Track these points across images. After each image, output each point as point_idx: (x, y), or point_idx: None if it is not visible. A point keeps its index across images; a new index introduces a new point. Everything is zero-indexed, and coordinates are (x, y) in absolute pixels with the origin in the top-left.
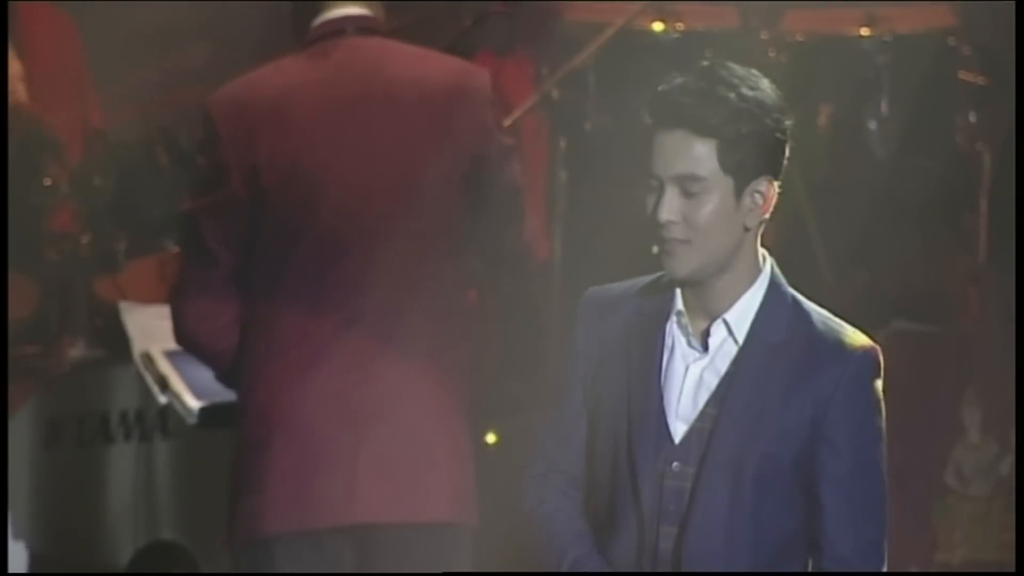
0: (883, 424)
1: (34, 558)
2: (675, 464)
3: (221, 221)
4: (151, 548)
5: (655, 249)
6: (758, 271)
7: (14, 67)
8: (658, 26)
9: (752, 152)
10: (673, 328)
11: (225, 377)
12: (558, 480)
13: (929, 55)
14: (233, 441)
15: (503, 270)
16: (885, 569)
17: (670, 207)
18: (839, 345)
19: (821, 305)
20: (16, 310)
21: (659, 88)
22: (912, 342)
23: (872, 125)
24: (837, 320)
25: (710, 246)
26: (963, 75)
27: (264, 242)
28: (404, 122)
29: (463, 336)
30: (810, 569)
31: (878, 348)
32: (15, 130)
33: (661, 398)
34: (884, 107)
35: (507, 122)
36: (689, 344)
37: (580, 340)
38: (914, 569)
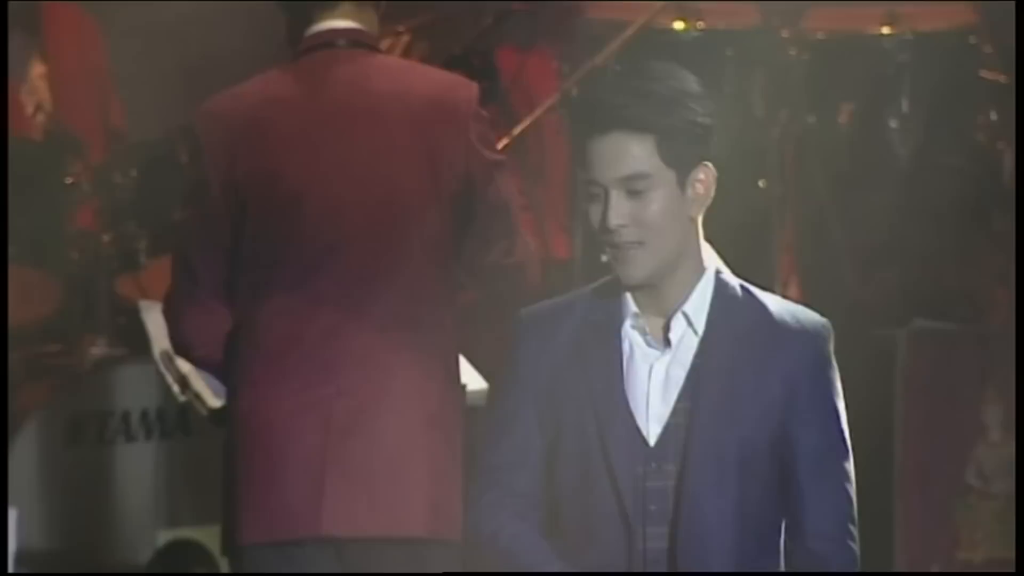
0: (841, 395)
1: (55, 555)
2: (654, 464)
3: (203, 234)
4: (171, 546)
5: (604, 257)
6: (704, 263)
7: (37, 67)
8: (679, 25)
9: (687, 141)
10: (629, 332)
11: (223, 383)
12: (513, 504)
13: (950, 53)
14: None
15: (492, 288)
16: (856, 538)
17: (618, 211)
18: (798, 322)
19: (843, 304)
20: (38, 308)
21: (583, 95)
22: (934, 341)
23: (893, 123)
24: (786, 301)
25: (663, 244)
26: (984, 73)
27: (246, 255)
28: (386, 136)
29: (447, 350)
30: (785, 548)
31: (830, 322)
32: (37, 130)
33: (627, 403)
34: (905, 105)
35: (528, 120)
36: (648, 344)
37: (525, 361)
38: (937, 568)
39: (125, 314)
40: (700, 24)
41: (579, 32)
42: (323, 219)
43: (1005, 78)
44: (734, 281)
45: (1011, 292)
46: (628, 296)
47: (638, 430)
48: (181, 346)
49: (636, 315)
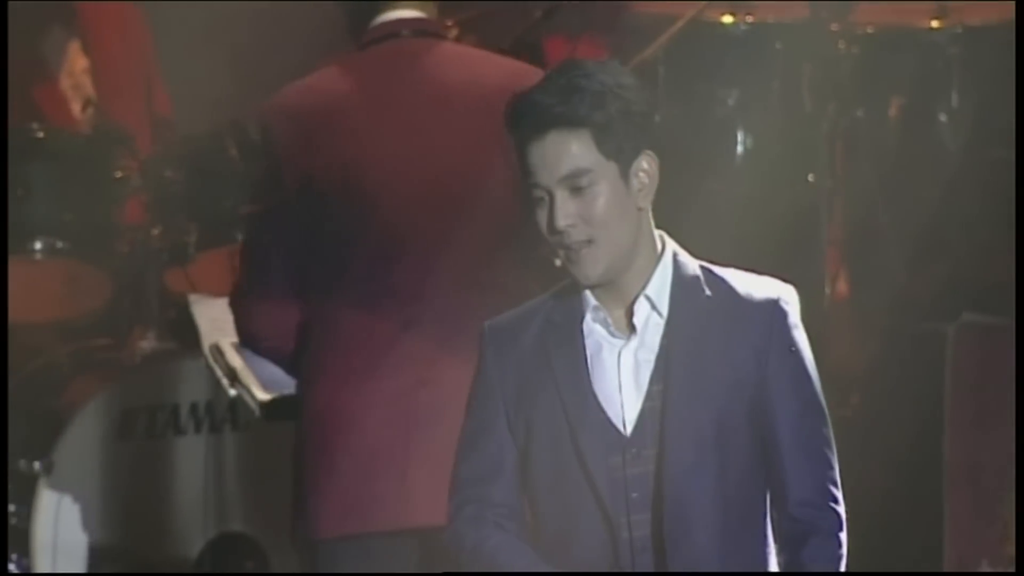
0: (812, 362)
1: (104, 549)
2: (633, 451)
3: (277, 227)
4: (221, 540)
5: (558, 261)
6: (659, 248)
7: (80, 61)
8: (728, 19)
9: (626, 132)
10: (591, 325)
11: (292, 373)
12: (492, 515)
13: (1000, 47)
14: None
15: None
16: (840, 501)
17: (564, 211)
18: (760, 293)
19: (892, 298)
20: (88, 302)
21: (514, 103)
22: (983, 335)
23: (943, 117)
24: (746, 273)
25: (613, 239)
26: None
27: (322, 247)
28: (459, 126)
29: None
30: (772, 518)
31: (793, 287)
32: (85, 123)
33: (596, 397)
34: (955, 99)
35: None
36: (612, 335)
37: (492, 371)
38: (986, 562)
39: (174, 308)
40: (749, 18)
41: (628, 26)
42: (399, 210)
43: None
44: (692, 261)
45: None
46: (587, 293)
47: (610, 422)
48: (249, 337)
49: (596, 308)
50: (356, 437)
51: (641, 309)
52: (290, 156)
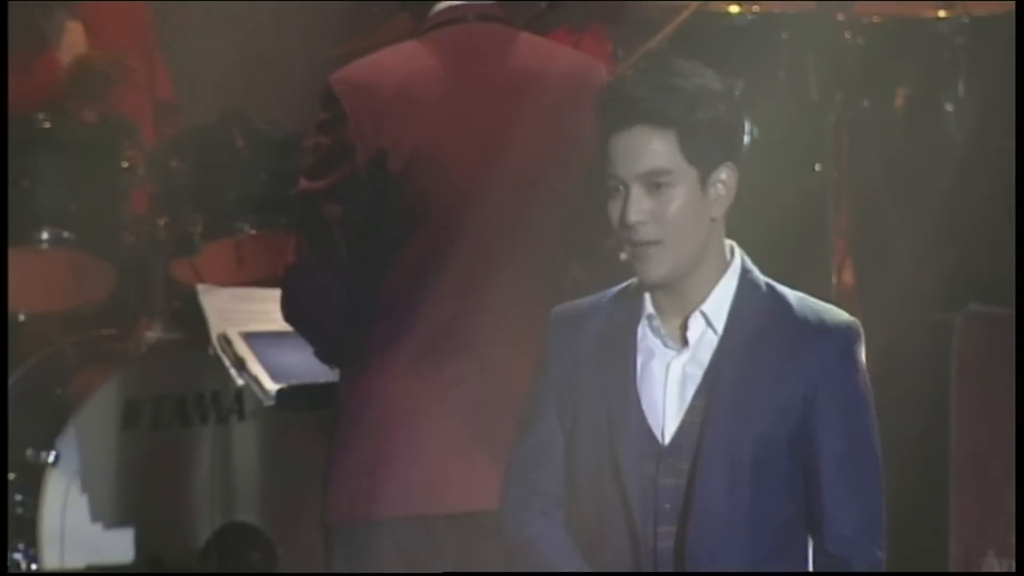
0: (871, 398)
1: (111, 539)
2: (668, 461)
3: (343, 202)
4: (227, 529)
5: (623, 255)
6: (727, 262)
7: (80, 44)
8: (734, 8)
9: (711, 139)
10: (646, 331)
11: (329, 357)
12: (538, 502)
13: (1006, 37)
14: (311, 423)
15: (598, 275)
16: (882, 543)
17: (638, 207)
18: (822, 322)
19: (898, 288)
20: (94, 292)
21: (609, 86)
22: (990, 325)
23: (949, 107)
24: (814, 300)
25: (681, 243)
26: None
27: (384, 226)
28: (527, 114)
29: None
30: (811, 549)
31: (859, 323)
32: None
33: (639, 401)
34: (961, 89)
35: None
36: (665, 345)
37: (551, 359)
38: (992, 553)
39: (180, 298)
40: (755, 8)
41: (633, 15)
42: (465, 194)
43: None
44: (761, 280)
45: None
46: (646, 296)
47: (650, 429)
48: (300, 316)
49: (651, 316)
50: (416, 419)
51: (696, 324)
52: (361, 131)
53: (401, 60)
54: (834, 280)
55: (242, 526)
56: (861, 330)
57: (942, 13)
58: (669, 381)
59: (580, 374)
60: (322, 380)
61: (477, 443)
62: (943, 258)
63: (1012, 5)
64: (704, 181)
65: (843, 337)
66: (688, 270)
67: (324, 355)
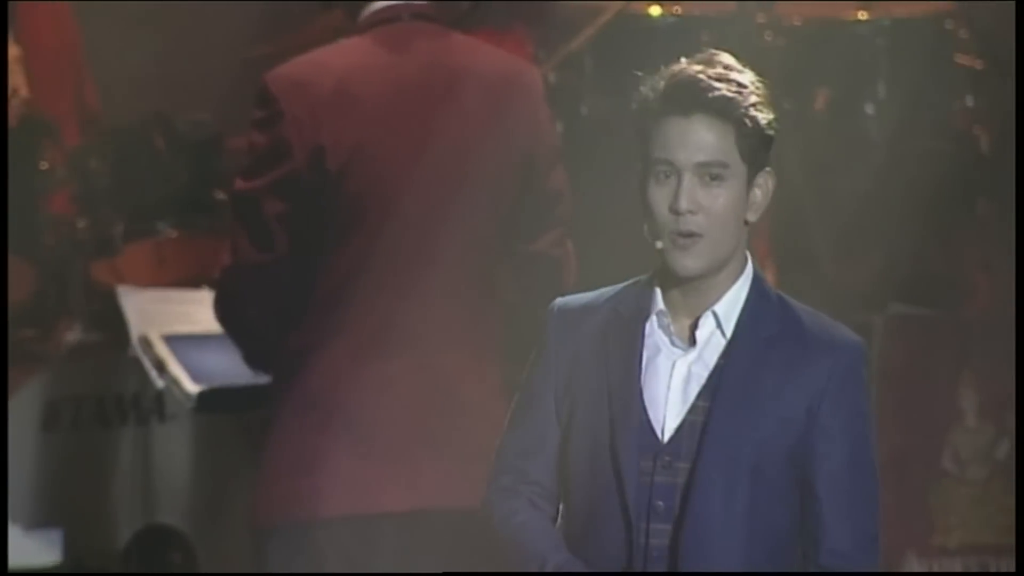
0: (872, 417)
1: (31, 540)
2: (666, 458)
3: (280, 200)
4: (148, 531)
5: (659, 244)
6: (743, 268)
7: (12, 51)
8: (655, 10)
9: (762, 141)
10: (654, 328)
11: (259, 360)
12: (527, 491)
13: (926, 39)
14: (233, 425)
15: (530, 276)
16: (879, 563)
17: (691, 196)
18: (830, 337)
19: (819, 289)
20: (13, 293)
21: (672, 72)
22: (910, 326)
23: (869, 109)
24: (823, 315)
25: (721, 239)
26: (960, 59)
27: (320, 225)
28: (463, 112)
29: (500, 326)
30: (804, 564)
31: (865, 342)
32: (12, 115)
33: (642, 396)
34: (882, 91)
35: None
36: (673, 343)
37: (552, 350)
38: (912, 554)
39: (100, 299)
40: (676, 9)
41: (554, 17)
42: (402, 192)
43: (981, 63)
44: (771, 290)
45: (991, 277)
46: (658, 293)
47: (650, 424)
48: (235, 317)
49: (662, 312)
50: (356, 418)
51: (706, 325)
52: (299, 128)
53: (338, 58)
54: None
55: (163, 528)
56: (867, 349)
57: (863, 15)
58: (673, 379)
59: (581, 366)
60: (243, 383)
61: (415, 442)
62: (864, 259)
63: (932, 7)
64: (750, 182)
65: (850, 354)
66: (716, 269)
67: (253, 358)
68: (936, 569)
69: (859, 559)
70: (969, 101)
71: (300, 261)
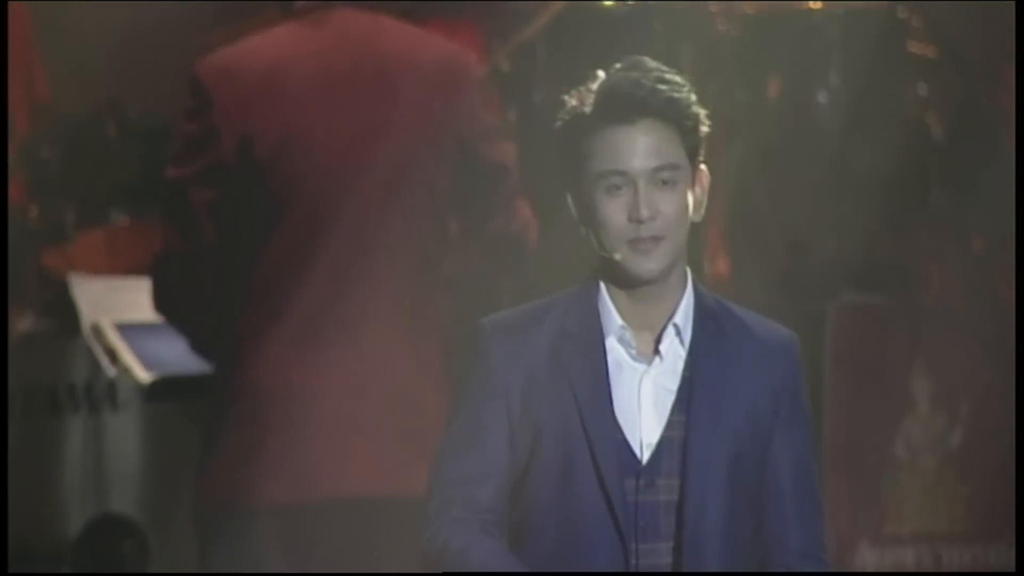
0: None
1: None
2: (646, 479)
3: (209, 188)
4: (100, 520)
5: (617, 256)
6: (685, 274)
7: None
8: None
9: (699, 138)
10: (614, 344)
11: (202, 348)
12: (479, 520)
13: (879, 27)
14: (184, 413)
15: (493, 256)
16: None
17: (650, 203)
18: (774, 335)
19: (772, 278)
20: None
21: (607, 81)
22: (863, 314)
23: (822, 97)
24: (754, 313)
25: (677, 241)
26: (913, 47)
27: (251, 213)
28: (397, 99)
29: (440, 312)
30: (761, 563)
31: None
32: None
33: (614, 415)
34: (834, 79)
35: None
36: (634, 359)
37: (497, 371)
38: (865, 542)
39: (52, 288)
40: None
41: (507, 7)
42: (332, 178)
43: (934, 51)
44: (708, 294)
45: (944, 266)
46: (611, 307)
47: (627, 445)
48: (171, 306)
49: (623, 327)
50: (292, 407)
51: (669, 337)
52: (227, 117)
53: (268, 45)
54: (707, 270)
55: (115, 517)
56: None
57: (816, 4)
58: (643, 395)
59: (539, 389)
60: (195, 371)
61: (353, 429)
62: (816, 248)
63: None
64: (692, 181)
65: (793, 349)
66: (671, 272)
67: (196, 346)
68: (888, 558)
69: (823, 558)
70: (922, 90)
71: (232, 249)
